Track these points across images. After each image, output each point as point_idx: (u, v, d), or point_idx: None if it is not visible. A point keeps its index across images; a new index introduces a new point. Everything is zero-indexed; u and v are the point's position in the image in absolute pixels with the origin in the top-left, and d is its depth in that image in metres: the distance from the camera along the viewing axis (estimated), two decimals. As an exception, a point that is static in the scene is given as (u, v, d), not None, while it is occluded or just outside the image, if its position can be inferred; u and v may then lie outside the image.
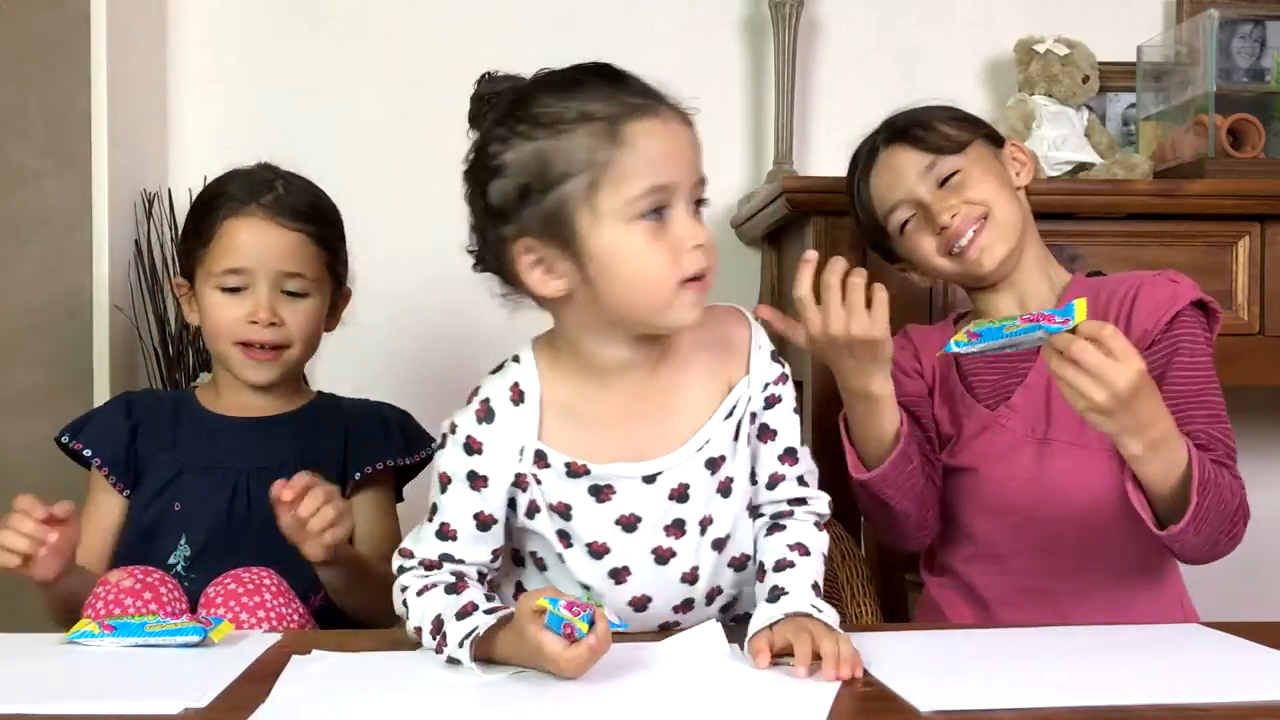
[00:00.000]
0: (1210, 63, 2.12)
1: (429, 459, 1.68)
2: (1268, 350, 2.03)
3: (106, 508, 1.64)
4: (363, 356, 2.37)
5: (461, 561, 1.27)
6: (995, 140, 1.66)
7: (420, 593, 1.25)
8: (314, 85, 2.43)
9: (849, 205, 1.70)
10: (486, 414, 1.26)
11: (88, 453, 1.64)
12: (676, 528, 1.28)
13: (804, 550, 1.30)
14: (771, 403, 1.32)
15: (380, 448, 1.68)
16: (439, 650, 1.19)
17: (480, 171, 1.22)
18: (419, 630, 1.22)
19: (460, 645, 1.15)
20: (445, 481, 1.27)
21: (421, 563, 1.27)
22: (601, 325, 1.23)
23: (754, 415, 1.31)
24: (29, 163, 2.10)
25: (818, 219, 2.01)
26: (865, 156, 1.65)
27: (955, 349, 1.28)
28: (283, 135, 2.38)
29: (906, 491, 1.55)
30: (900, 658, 1.13)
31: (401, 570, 1.29)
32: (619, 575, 1.28)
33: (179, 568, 1.58)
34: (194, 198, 1.73)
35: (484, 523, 1.26)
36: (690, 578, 1.30)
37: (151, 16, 2.35)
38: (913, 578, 1.83)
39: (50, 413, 1.84)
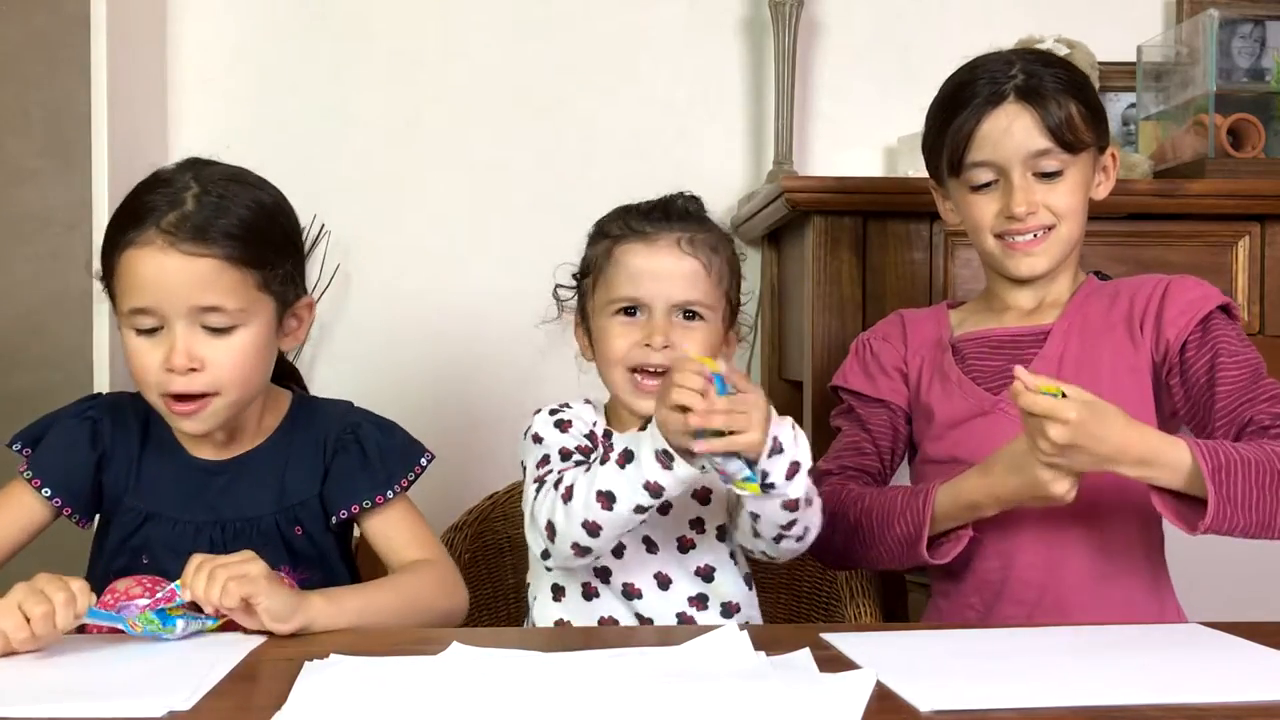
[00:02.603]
0: (1210, 63, 2.13)
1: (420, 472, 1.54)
2: (1268, 350, 2.00)
3: (29, 510, 1.46)
4: (362, 357, 2.37)
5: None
6: (1104, 146, 1.63)
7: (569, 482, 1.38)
8: (314, 85, 2.43)
9: (932, 114, 1.63)
10: (561, 407, 1.53)
11: (46, 492, 1.45)
12: (697, 525, 1.52)
13: None
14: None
15: (361, 484, 1.49)
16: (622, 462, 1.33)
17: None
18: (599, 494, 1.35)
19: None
20: (538, 439, 1.48)
21: (561, 474, 1.41)
22: None
23: None
24: (29, 163, 2.10)
25: (818, 219, 2.02)
26: (988, 93, 1.55)
27: None
28: (283, 135, 2.38)
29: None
30: (900, 658, 1.13)
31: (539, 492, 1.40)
32: (650, 545, 1.49)
33: None
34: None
35: (582, 453, 1.47)
36: (705, 573, 1.51)
37: (151, 16, 2.35)
38: (914, 578, 1.83)
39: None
